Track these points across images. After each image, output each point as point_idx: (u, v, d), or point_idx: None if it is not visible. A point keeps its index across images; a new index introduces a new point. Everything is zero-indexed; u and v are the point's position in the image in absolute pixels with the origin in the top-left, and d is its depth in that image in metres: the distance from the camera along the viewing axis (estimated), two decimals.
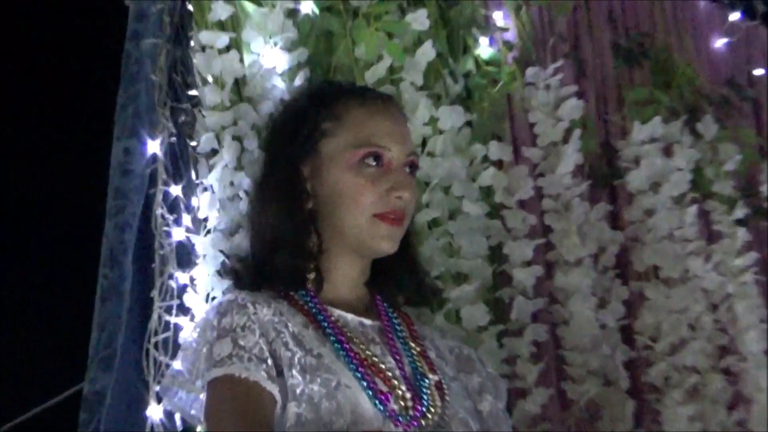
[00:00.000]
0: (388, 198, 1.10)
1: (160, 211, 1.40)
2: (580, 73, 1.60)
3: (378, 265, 1.18)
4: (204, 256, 1.39)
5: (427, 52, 1.43)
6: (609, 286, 1.53)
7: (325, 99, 1.16)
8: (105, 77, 1.44)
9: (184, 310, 1.40)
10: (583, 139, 1.51)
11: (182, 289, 1.39)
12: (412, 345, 1.17)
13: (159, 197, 1.40)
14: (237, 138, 1.40)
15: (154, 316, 1.37)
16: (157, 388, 1.29)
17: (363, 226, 1.11)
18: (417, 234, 1.31)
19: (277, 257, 1.13)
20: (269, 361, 1.08)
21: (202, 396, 1.10)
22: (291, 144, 1.16)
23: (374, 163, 1.11)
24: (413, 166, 1.15)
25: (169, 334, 1.38)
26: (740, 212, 1.60)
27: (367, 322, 1.16)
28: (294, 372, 1.08)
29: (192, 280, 1.40)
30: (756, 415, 1.55)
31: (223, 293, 1.33)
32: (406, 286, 1.22)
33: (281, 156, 1.15)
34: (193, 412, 1.14)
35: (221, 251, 1.37)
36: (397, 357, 1.14)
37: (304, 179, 1.13)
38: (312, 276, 1.14)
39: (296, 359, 1.09)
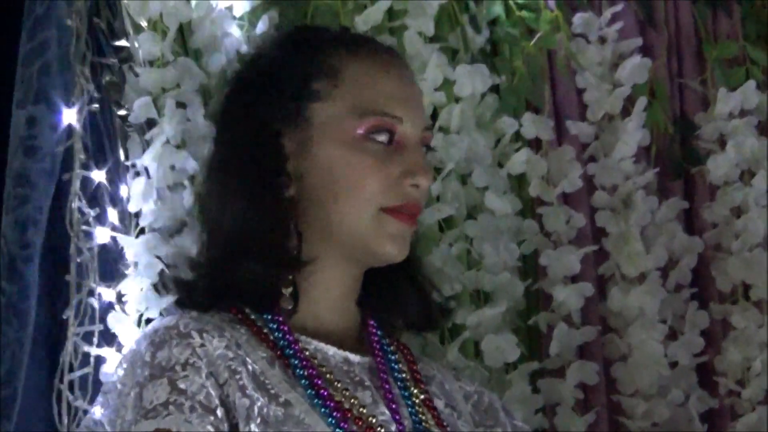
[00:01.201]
0: (401, 186, 1.02)
1: (77, 203, 1.27)
2: (646, 21, 1.42)
3: (370, 279, 1.08)
4: (135, 264, 1.27)
5: None
6: (683, 311, 1.38)
7: (314, 48, 1.07)
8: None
9: (107, 337, 1.29)
10: (650, 112, 1.35)
11: (106, 308, 1.28)
12: (414, 391, 1.06)
13: (76, 184, 1.27)
14: (181, 104, 1.26)
15: (69, 346, 1.27)
16: None
17: (366, 224, 1.03)
18: (424, 238, 1.25)
19: (241, 266, 1.01)
20: (219, 412, 0.98)
21: None
22: (266, 108, 1.05)
23: (383, 139, 1.04)
24: (427, 146, 1.09)
25: (89, 369, 1.26)
26: None
27: (355, 358, 1.05)
28: (253, 426, 0.99)
29: (120, 296, 1.28)
30: None
31: (161, 315, 1.25)
32: (408, 307, 1.10)
33: (250, 125, 1.04)
34: None
35: (159, 257, 1.25)
36: (394, 407, 1.03)
37: (285, 156, 1.03)
38: (288, 292, 1.04)
39: (256, 409, 0.99)
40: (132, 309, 1.26)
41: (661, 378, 1.30)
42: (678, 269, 1.34)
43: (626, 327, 1.31)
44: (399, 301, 1.09)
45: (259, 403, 0.98)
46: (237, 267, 1.01)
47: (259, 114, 1.06)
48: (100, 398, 1.03)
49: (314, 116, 1.03)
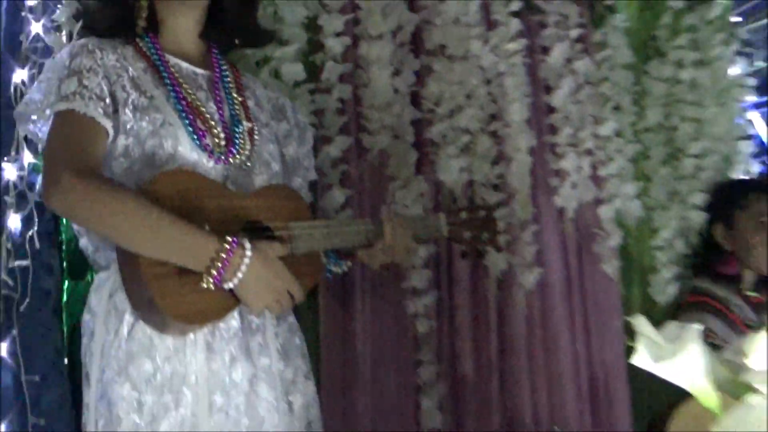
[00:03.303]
0: None
1: None
2: None
3: (214, 16, 1.34)
4: None
5: None
6: (403, 58, 1.79)
7: None
8: None
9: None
10: None
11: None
12: (235, 95, 1.35)
13: None
14: None
15: None
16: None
17: None
18: None
19: (104, 5, 1.29)
20: (107, 100, 1.22)
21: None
22: None
23: None
24: None
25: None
26: (515, 5, 1.87)
27: (199, 71, 1.34)
28: (127, 111, 1.23)
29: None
30: (514, 170, 1.85)
31: (78, 36, 1.49)
32: (242, 30, 1.39)
33: None
34: (41, 135, 1.28)
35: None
36: (219, 104, 1.32)
37: None
38: (141, 23, 1.30)
39: (130, 100, 1.24)
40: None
41: (388, 98, 1.71)
42: (402, 32, 1.73)
43: (369, 66, 1.73)
44: (236, 27, 1.37)
45: (132, 96, 1.25)
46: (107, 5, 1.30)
47: None
48: (36, 84, 1.27)
49: None
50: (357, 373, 1.72)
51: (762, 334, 0.74)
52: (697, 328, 0.74)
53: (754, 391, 0.64)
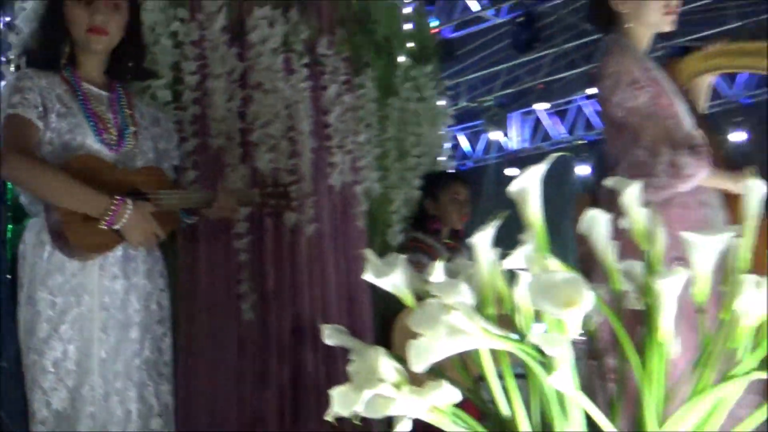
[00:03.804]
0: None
1: None
2: None
3: (116, 59, 1.79)
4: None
5: None
6: (234, 90, 2.63)
7: None
8: None
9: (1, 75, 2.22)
10: None
11: None
12: (126, 109, 1.83)
13: None
14: None
15: None
16: None
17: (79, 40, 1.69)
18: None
19: (42, 46, 1.74)
20: (40, 108, 1.63)
21: None
22: None
23: None
24: None
25: None
26: (305, 60, 2.77)
27: (103, 93, 1.78)
28: (53, 116, 1.65)
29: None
30: (303, 162, 2.85)
31: (24, 67, 1.87)
32: (133, 69, 1.86)
33: None
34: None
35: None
36: (115, 114, 1.78)
37: None
38: (64, 60, 1.70)
39: (55, 109, 1.65)
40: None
41: None
42: None
43: None
44: (127, 69, 1.79)
45: (57, 106, 1.65)
46: (44, 46, 1.69)
47: None
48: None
49: None
50: (199, 284, 2.47)
51: (441, 263, 0.95)
52: (403, 257, 0.95)
53: (433, 296, 0.84)
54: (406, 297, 0.97)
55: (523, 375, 0.94)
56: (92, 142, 1.69)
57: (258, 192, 2.20)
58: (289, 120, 2.64)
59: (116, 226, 1.62)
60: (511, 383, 0.93)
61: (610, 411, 0.95)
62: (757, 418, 0.89)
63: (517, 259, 0.94)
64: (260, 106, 2.59)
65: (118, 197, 1.61)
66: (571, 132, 8.17)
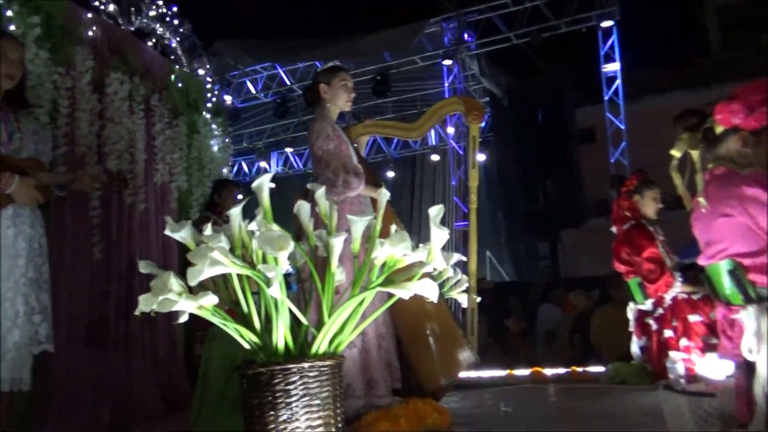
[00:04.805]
0: None
1: None
2: None
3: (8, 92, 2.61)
4: None
5: None
6: (97, 122, 3.55)
7: None
8: None
9: None
10: None
11: None
12: (15, 125, 2.62)
13: None
14: None
15: None
16: None
17: None
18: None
19: None
20: None
21: None
22: None
23: None
24: None
25: None
26: (137, 108, 3.55)
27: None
28: None
29: None
30: (137, 164, 3.74)
31: None
32: (20, 100, 2.70)
33: None
34: None
35: None
36: (7, 128, 2.58)
37: None
38: None
39: None
40: None
41: None
42: None
43: None
44: (16, 99, 2.66)
45: None
46: None
47: None
48: None
49: None
50: (65, 235, 3.54)
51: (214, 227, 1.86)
52: (189, 222, 1.65)
53: (204, 243, 1.57)
54: (190, 243, 1.62)
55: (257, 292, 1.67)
56: None
57: (107, 177, 3.31)
58: (130, 141, 4.13)
59: (8, 191, 2.47)
60: (248, 294, 1.63)
61: (305, 309, 1.69)
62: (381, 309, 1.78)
63: (255, 223, 1.65)
64: (111, 132, 3.96)
65: (8, 173, 2.45)
66: (305, 165, 14.51)
